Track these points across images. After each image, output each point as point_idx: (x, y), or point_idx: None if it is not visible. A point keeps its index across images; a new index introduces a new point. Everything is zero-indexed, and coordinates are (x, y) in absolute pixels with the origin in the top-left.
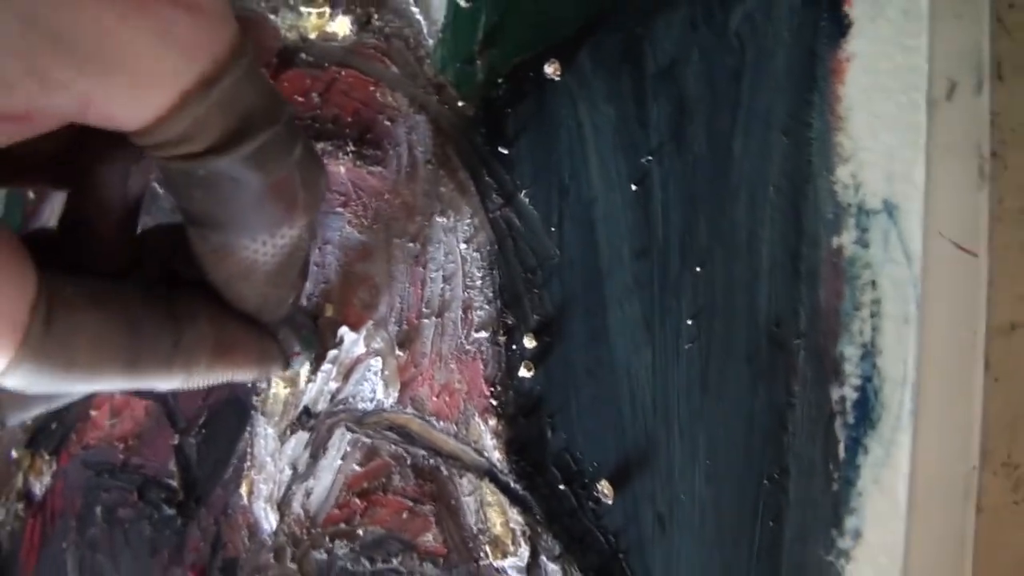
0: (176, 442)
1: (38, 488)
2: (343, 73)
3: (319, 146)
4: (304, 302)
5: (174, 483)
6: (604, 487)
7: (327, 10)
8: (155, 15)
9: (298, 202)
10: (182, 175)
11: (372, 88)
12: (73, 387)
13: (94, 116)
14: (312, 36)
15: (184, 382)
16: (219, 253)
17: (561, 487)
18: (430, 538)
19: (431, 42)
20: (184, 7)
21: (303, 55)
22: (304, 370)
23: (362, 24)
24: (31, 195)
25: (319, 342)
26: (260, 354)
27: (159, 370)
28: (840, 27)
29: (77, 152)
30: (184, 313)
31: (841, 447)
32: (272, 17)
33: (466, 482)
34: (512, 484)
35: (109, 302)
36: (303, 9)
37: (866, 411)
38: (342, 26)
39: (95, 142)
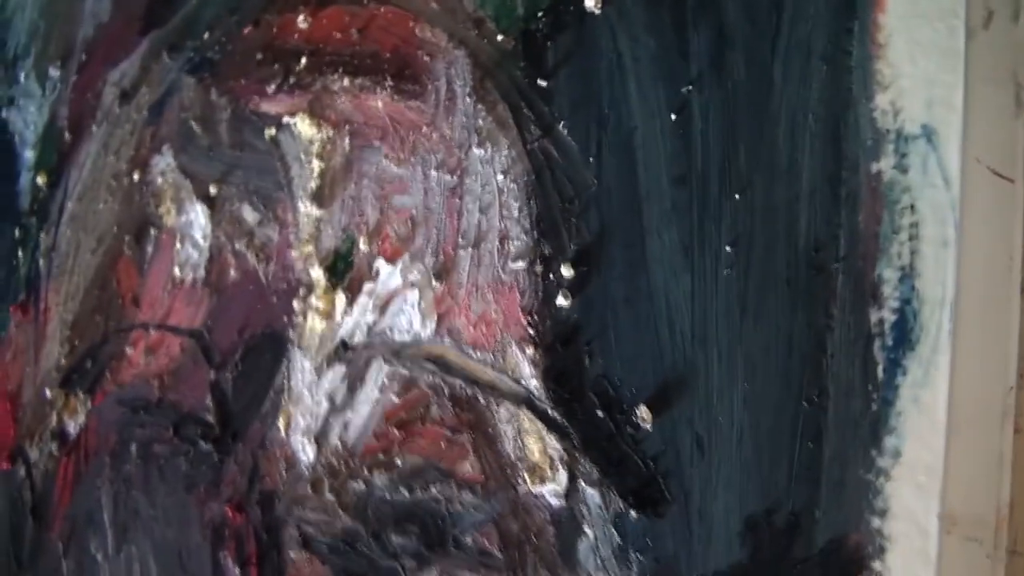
0: (212, 378)
1: (72, 427)
2: (382, 10)
3: (358, 80)
4: (339, 233)
5: (210, 418)
6: (643, 412)
7: None
8: None
9: None
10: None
11: (411, 24)
12: None
13: None
14: None
15: None
16: None
17: (599, 413)
18: (468, 466)
19: None
20: None
21: None
22: (341, 303)
23: None
24: (67, 136)
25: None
26: None
27: None
28: None
29: None
30: None
31: (880, 368)
32: None
33: (503, 410)
34: (550, 411)
35: None
36: None
37: (905, 332)
38: None
39: None
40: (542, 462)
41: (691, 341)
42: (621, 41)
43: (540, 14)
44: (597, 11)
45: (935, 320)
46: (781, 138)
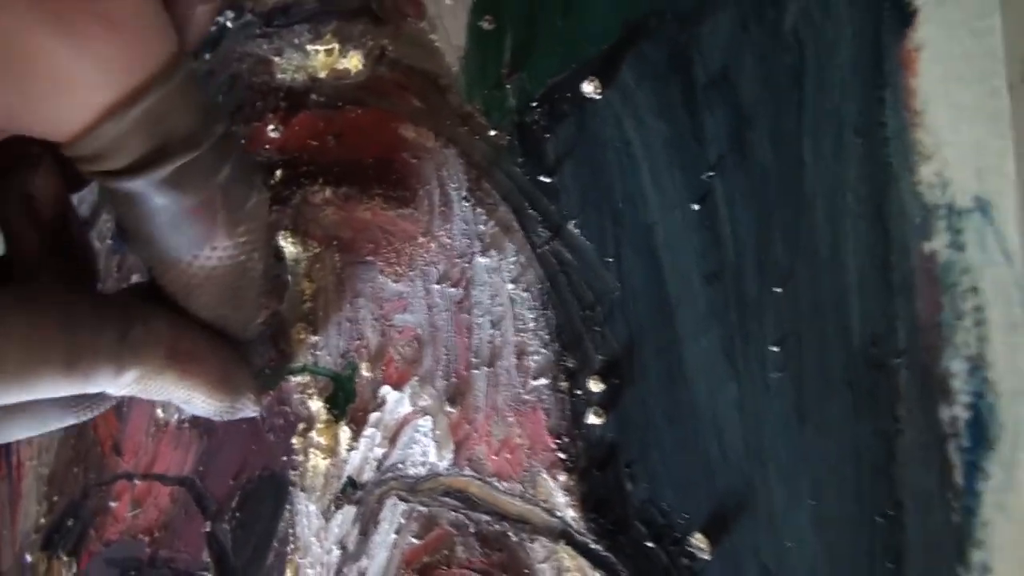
0: (208, 529)
1: None
2: (359, 112)
3: (341, 190)
4: (338, 360)
5: (209, 575)
6: (699, 540)
7: (336, 46)
8: (74, 30)
9: (217, 222)
10: (106, 190)
11: (393, 124)
12: (9, 395)
13: (17, 126)
14: (322, 75)
15: (137, 385)
16: (153, 268)
17: (649, 544)
18: None
19: (454, 70)
20: (105, 23)
21: (314, 96)
22: (344, 437)
23: (375, 58)
24: None
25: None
26: (223, 372)
27: (105, 368)
28: (904, 15)
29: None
30: (136, 313)
31: (958, 473)
32: (277, 59)
33: (539, 547)
34: (592, 545)
35: (39, 299)
36: (310, 48)
37: (981, 431)
38: (354, 62)
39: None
40: None
41: (745, 456)
42: (628, 127)
43: (534, 104)
44: (597, 96)
45: (1013, 414)
46: (820, 223)
